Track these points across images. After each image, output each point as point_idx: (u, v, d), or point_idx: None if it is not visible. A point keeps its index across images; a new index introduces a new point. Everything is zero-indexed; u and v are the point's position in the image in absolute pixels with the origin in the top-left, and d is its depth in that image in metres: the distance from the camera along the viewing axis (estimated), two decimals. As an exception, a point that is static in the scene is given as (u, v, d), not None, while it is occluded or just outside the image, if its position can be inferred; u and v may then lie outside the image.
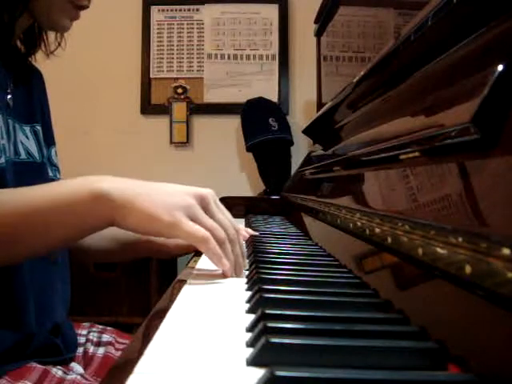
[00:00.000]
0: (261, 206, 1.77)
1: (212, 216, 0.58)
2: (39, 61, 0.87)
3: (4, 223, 0.55)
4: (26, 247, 0.58)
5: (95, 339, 0.86)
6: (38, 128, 0.80)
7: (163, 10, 2.28)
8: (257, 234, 0.90)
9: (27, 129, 0.77)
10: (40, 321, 0.72)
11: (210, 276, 0.59)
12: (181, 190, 0.58)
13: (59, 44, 0.85)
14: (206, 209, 0.58)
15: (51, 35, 0.84)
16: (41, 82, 0.88)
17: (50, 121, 0.88)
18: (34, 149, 0.77)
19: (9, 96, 0.74)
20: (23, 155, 0.75)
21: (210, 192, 0.60)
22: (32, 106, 0.81)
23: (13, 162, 0.72)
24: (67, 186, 0.57)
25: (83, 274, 1.92)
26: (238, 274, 0.60)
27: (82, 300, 1.86)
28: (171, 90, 2.26)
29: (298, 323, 0.35)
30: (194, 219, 0.55)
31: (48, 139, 0.84)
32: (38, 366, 0.68)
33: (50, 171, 0.82)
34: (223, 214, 0.60)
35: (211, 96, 2.26)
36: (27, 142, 0.76)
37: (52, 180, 0.81)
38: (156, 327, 0.38)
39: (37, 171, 0.77)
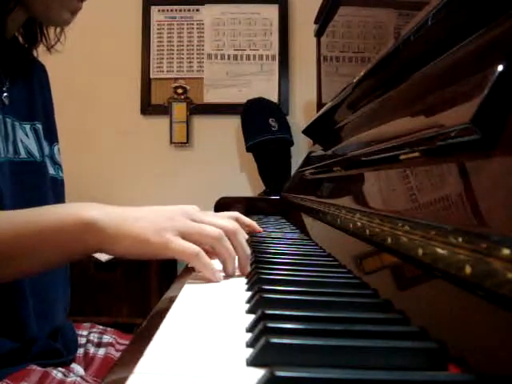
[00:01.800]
0: (260, 206, 1.77)
1: (200, 220, 0.58)
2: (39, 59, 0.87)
3: None
4: (10, 270, 0.57)
5: (96, 340, 0.86)
6: (39, 126, 0.79)
7: (163, 10, 2.28)
8: (260, 230, 0.89)
9: (27, 127, 0.76)
10: (40, 325, 0.71)
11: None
12: (165, 209, 0.58)
13: (58, 39, 0.83)
14: (192, 219, 0.58)
15: (52, 29, 0.82)
16: (43, 77, 0.86)
17: (53, 117, 0.86)
18: (33, 147, 0.76)
19: (4, 94, 0.72)
20: (23, 154, 0.74)
21: (193, 206, 0.60)
22: (33, 103, 0.79)
23: (11, 161, 0.71)
24: (55, 213, 0.56)
25: (83, 274, 1.92)
26: (242, 268, 0.60)
27: (82, 300, 1.86)
28: (171, 90, 2.26)
29: (298, 323, 0.35)
30: (182, 232, 0.55)
31: (51, 136, 0.83)
32: (38, 368, 0.68)
33: (52, 169, 0.81)
34: (215, 215, 0.61)
35: (211, 96, 2.26)
36: (27, 140, 0.75)
37: (53, 178, 0.80)
38: (156, 327, 0.38)
39: (36, 170, 0.76)
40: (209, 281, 0.56)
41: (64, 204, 0.63)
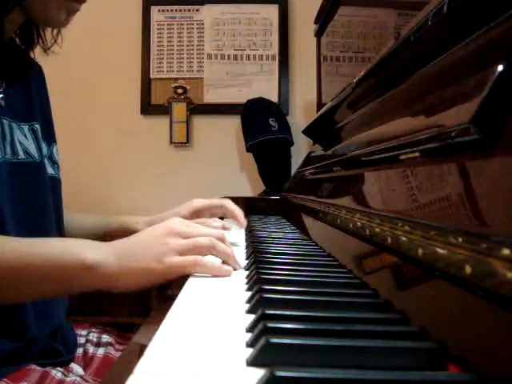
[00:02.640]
0: (260, 205, 1.77)
1: (190, 235, 0.61)
2: (38, 60, 0.86)
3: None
4: (8, 295, 0.60)
5: (95, 340, 0.86)
6: (37, 127, 0.79)
7: (163, 10, 2.28)
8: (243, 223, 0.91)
9: (25, 128, 0.76)
10: (40, 325, 0.71)
11: (209, 276, 0.59)
12: (156, 235, 0.60)
13: (55, 41, 0.82)
14: (182, 235, 0.60)
15: (48, 30, 0.82)
16: (40, 77, 0.86)
17: (51, 118, 0.86)
18: (32, 148, 0.76)
19: (0, 96, 0.72)
20: (21, 155, 0.74)
21: (175, 220, 0.63)
22: (30, 104, 0.79)
23: (9, 162, 0.71)
24: (59, 252, 0.58)
25: (83, 274, 1.92)
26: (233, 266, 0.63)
27: (82, 300, 1.86)
28: (171, 90, 2.26)
29: (298, 323, 0.35)
30: (180, 252, 0.58)
31: (49, 137, 0.83)
32: (38, 367, 0.68)
33: (51, 169, 0.81)
34: (198, 227, 0.64)
35: (211, 96, 2.26)
36: (25, 141, 0.75)
37: (52, 178, 0.81)
38: (156, 327, 0.38)
39: (35, 170, 0.76)
40: (208, 281, 0.56)
41: (67, 240, 0.67)
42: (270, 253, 0.71)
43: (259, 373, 0.28)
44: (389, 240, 0.45)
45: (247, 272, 0.61)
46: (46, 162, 0.80)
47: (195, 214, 0.90)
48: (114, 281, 0.56)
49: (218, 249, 0.61)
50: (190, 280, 0.57)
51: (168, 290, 0.55)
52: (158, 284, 0.57)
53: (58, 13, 0.72)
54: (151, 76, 2.27)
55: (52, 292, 0.62)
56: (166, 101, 2.26)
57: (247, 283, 0.54)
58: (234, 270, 0.62)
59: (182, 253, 0.58)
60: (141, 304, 1.97)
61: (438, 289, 0.35)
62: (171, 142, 2.26)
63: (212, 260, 0.60)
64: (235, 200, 1.78)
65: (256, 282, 0.51)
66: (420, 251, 0.37)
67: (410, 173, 0.48)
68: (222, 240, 0.63)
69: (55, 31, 0.82)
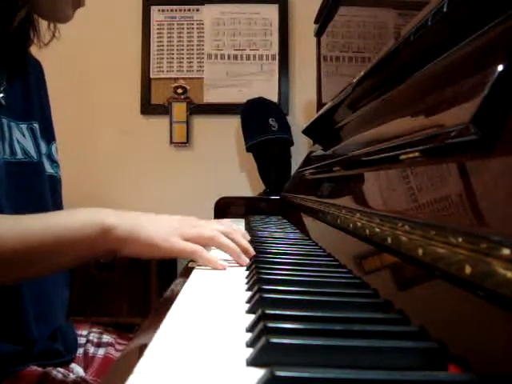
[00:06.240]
0: (260, 206, 1.77)
1: (199, 227, 0.66)
2: (38, 59, 0.85)
3: (19, 248, 0.58)
4: (35, 270, 0.63)
5: (95, 340, 0.86)
6: (35, 125, 0.78)
7: (163, 10, 2.28)
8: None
9: (24, 127, 0.76)
10: (40, 326, 0.71)
11: (209, 276, 0.59)
12: (171, 218, 0.67)
13: (54, 35, 0.81)
14: (193, 225, 0.66)
15: (43, 27, 0.80)
16: (39, 74, 0.85)
17: (50, 116, 0.86)
18: (30, 147, 0.76)
19: (1, 95, 0.72)
20: (20, 154, 0.73)
21: (191, 217, 0.70)
22: (29, 102, 0.79)
23: (7, 162, 0.70)
24: (80, 218, 0.62)
25: (83, 274, 1.92)
26: (247, 255, 0.66)
27: (82, 300, 1.86)
28: (171, 90, 2.26)
29: (298, 323, 0.35)
30: (184, 237, 0.62)
31: (48, 135, 0.82)
32: (38, 368, 0.68)
33: (50, 168, 0.80)
34: (213, 224, 0.69)
35: (211, 96, 2.26)
36: (24, 140, 0.75)
37: (50, 177, 0.80)
38: (156, 327, 0.38)
39: (34, 170, 0.76)
40: (208, 281, 0.56)
41: (82, 209, 0.68)
42: (271, 253, 0.71)
43: (259, 373, 0.28)
44: (389, 240, 0.45)
45: (247, 272, 0.61)
46: (45, 160, 0.79)
47: None
48: (121, 245, 0.60)
49: (218, 240, 0.64)
50: (190, 280, 0.57)
51: (167, 291, 0.55)
52: (158, 259, 0.62)
53: (65, 7, 0.72)
54: (151, 76, 2.27)
55: (69, 262, 0.64)
56: (165, 101, 2.26)
57: (247, 283, 0.54)
58: (241, 265, 0.65)
59: (187, 239, 0.62)
60: (141, 304, 1.97)
61: (438, 289, 0.35)
62: (171, 142, 2.26)
63: (215, 254, 0.64)
64: (235, 200, 1.78)
65: (256, 281, 0.51)
66: (420, 251, 0.37)
67: (409, 173, 0.48)
68: (228, 234, 0.66)
69: (52, 26, 0.80)
